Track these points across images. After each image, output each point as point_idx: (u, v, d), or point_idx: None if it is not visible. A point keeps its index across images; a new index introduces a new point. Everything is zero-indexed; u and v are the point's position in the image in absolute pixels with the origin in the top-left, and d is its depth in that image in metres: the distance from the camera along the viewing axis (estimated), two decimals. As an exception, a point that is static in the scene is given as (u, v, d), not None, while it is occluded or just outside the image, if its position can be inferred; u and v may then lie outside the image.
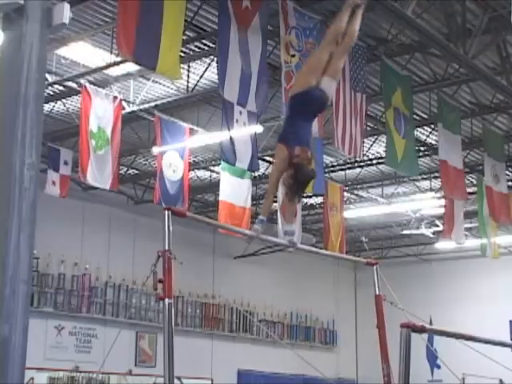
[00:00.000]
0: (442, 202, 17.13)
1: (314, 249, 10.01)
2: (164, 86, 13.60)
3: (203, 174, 18.09)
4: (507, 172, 16.45)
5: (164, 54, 9.01)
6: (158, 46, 8.96)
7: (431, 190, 17.84)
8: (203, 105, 14.16)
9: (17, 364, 4.52)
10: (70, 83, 13.17)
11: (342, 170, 17.69)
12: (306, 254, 18.53)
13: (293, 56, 10.56)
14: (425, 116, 14.65)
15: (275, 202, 13.75)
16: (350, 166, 17.50)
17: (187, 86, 13.06)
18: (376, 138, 15.68)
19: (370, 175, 18.35)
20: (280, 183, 6.44)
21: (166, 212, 5.97)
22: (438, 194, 17.31)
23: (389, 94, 12.25)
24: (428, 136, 15.54)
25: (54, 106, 14.35)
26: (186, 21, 9.81)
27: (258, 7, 10.17)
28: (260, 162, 14.54)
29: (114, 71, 12.75)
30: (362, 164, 17.27)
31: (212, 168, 17.42)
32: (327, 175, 17.08)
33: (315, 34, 10.81)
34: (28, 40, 4.90)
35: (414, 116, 13.65)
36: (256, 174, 16.37)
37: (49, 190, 14.45)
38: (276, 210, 15.02)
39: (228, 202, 14.91)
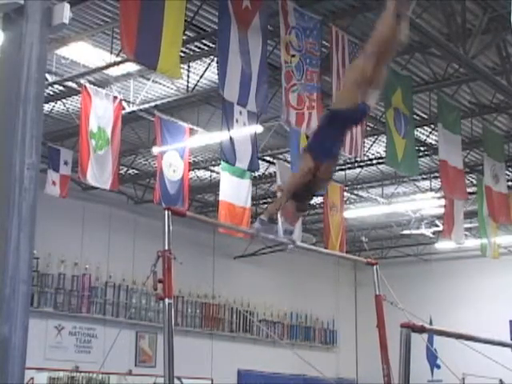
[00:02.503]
0: (442, 202, 17.13)
1: (314, 247, 10.03)
2: (164, 85, 13.60)
3: (203, 173, 18.10)
4: (507, 172, 16.46)
5: (165, 54, 9.03)
6: (158, 45, 8.98)
7: (431, 190, 17.85)
8: (203, 105, 14.17)
9: (17, 364, 4.51)
10: (70, 83, 13.18)
11: (341, 170, 17.68)
12: (307, 254, 18.56)
13: (293, 56, 10.56)
14: (425, 116, 14.65)
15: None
16: (350, 166, 17.50)
17: (187, 86, 13.07)
18: (376, 138, 15.68)
19: (370, 175, 18.35)
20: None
21: (166, 212, 5.96)
22: (438, 194, 17.31)
23: (389, 94, 12.25)
24: (428, 136, 15.54)
25: (53, 106, 14.35)
26: (186, 21, 9.82)
27: (258, 7, 10.17)
28: (260, 162, 14.55)
29: (114, 71, 12.75)
30: (361, 164, 17.28)
31: (212, 168, 17.43)
32: (327, 175, 17.04)
33: (315, 33, 10.81)
34: (28, 40, 4.89)
35: (414, 116, 13.65)
36: (256, 173, 16.38)
37: (49, 190, 14.45)
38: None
39: (228, 202, 14.91)
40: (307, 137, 12.82)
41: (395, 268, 21.97)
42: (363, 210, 19.24)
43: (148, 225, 17.89)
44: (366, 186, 18.78)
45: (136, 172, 17.88)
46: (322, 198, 17.34)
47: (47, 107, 14.04)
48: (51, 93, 13.64)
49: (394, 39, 5.80)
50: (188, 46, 11.89)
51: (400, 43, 5.94)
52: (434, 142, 15.40)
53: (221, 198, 14.97)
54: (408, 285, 21.66)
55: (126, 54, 9.34)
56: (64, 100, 14.11)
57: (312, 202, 20.21)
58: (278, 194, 6.98)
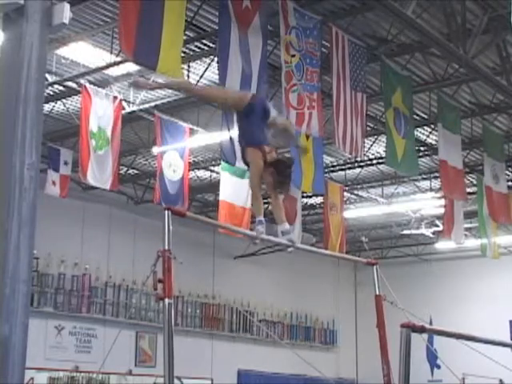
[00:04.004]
0: (442, 202, 17.13)
1: (314, 248, 10.02)
2: (164, 85, 13.58)
3: (203, 173, 18.10)
4: (507, 172, 16.45)
5: (164, 54, 9.01)
6: (158, 45, 8.97)
7: (431, 190, 17.85)
8: (203, 105, 14.15)
9: (17, 364, 4.51)
10: (70, 83, 13.18)
11: (342, 170, 17.70)
12: (306, 254, 18.54)
13: (293, 56, 10.56)
14: (425, 116, 14.65)
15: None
16: (350, 166, 17.50)
17: (187, 86, 13.05)
18: (376, 138, 15.68)
19: (370, 175, 18.35)
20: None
21: (166, 212, 5.97)
22: (438, 194, 17.31)
23: (389, 94, 12.25)
24: (428, 136, 15.54)
25: (53, 106, 14.35)
26: (186, 21, 9.81)
27: (258, 7, 10.17)
28: (260, 162, 14.52)
29: (114, 71, 12.75)
30: (362, 164, 17.28)
31: (212, 168, 17.43)
32: (327, 175, 17.08)
33: (315, 33, 10.81)
34: (28, 40, 4.89)
35: (414, 116, 13.65)
36: (256, 174, 16.34)
37: (49, 190, 14.45)
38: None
39: (228, 202, 14.92)
40: (307, 137, 12.84)
41: (395, 268, 21.95)
42: (363, 210, 19.25)
43: (148, 225, 17.89)
44: (366, 186, 18.78)
45: (136, 172, 17.88)
46: (321, 198, 17.38)
47: (47, 107, 14.04)
48: (51, 93, 13.64)
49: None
50: (188, 45, 11.88)
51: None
52: (433, 142, 15.40)
53: (221, 198, 14.97)
54: (408, 285, 21.65)
55: (125, 55, 9.33)
56: (64, 100, 14.10)
57: (312, 202, 20.00)
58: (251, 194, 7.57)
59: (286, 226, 7.06)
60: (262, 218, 6.54)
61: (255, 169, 6.73)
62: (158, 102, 13.70)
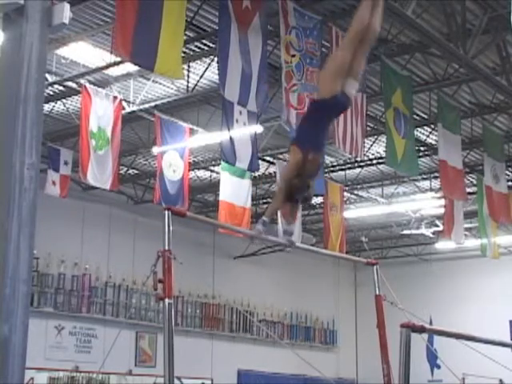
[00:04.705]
0: (442, 202, 17.12)
1: (313, 248, 10.02)
2: (164, 85, 13.60)
3: (203, 174, 18.10)
4: (507, 172, 16.45)
5: (163, 55, 9.00)
6: (156, 46, 8.94)
7: (431, 190, 17.84)
8: (203, 105, 14.17)
9: (17, 364, 4.51)
10: (70, 83, 13.18)
11: (342, 170, 17.70)
12: (307, 254, 18.57)
13: (293, 56, 10.55)
14: (425, 116, 14.65)
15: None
16: (350, 166, 17.51)
17: (187, 86, 13.06)
18: (376, 138, 15.68)
19: (370, 175, 18.35)
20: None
21: (166, 212, 5.96)
22: (438, 194, 17.30)
23: (389, 94, 12.25)
24: (428, 136, 15.54)
25: (53, 106, 14.35)
26: (186, 21, 9.81)
27: (258, 7, 10.17)
28: (260, 162, 14.54)
29: (114, 71, 12.75)
30: (361, 164, 17.28)
31: (212, 168, 17.43)
32: (327, 175, 17.09)
33: (315, 33, 10.81)
34: (28, 40, 4.89)
35: (414, 116, 13.65)
36: (256, 174, 16.37)
37: (49, 190, 14.44)
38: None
39: (228, 202, 14.91)
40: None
41: (395, 268, 21.95)
42: (363, 210, 19.24)
43: (148, 225, 17.90)
44: (366, 186, 18.78)
45: (136, 172, 17.88)
46: (321, 198, 17.37)
47: (47, 107, 14.04)
48: (51, 93, 13.64)
49: (370, 28, 6.09)
50: (188, 45, 11.88)
51: (374, 32, 6.20)
52: (433, 142, 15.40)
53: (221, 198, 14.97)
54: (408, 285, 21.65)
55: (121, 55, 9.29)
56: (64, 100, 14.11)
57: (312, 202, 20.19)
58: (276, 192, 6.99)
59: (292, 226, 7.08)
60: (267, 219, 6.51)
61: (287, 169, 6.48)
62: (158, 102, 13.70)
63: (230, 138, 12.53)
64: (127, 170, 17.63)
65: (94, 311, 17.79)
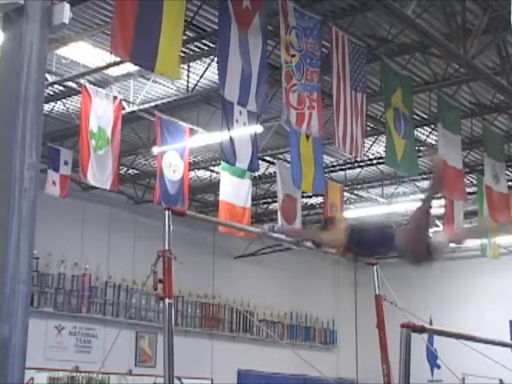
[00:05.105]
0: (442, 202, 17.11)
1: (314, 247, 9.98)
2: (164, 85, 13.60)
3: (203, 174, 18.09)
4: (507, 172, 16.45)
5: (163, 54, 9.00)
6: (156, 46, 8.95)
7: (431, 190, 17.80)
8: (203, 105, 14.16)
9: (17, 364, 4.51)
10: (70, 83, 13.18)
11: (342, 170, 17.69)
12: (307, 254, 18.55)
13: (293, 56, 10.55)
14: (425, 116, 14.64)
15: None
16: (350, 166, 17.50)
17: (187, 86, 13.06)
18: (376, 138, 15.68)
19: (370, 175, 18.35)
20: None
21: (166, 212, 5.98)
22: (438, 194, 17.28)
23: (389, 94, 12.25)
24: (428, 136, 15.54)
25: (53, 106, 14.35)
26: (185, 21, 9.81)
27: (258, 7, 10.17)
28: (260, 162, 14.54)
29: (114, 71, 12.75)
30: (361, 164, 17.27)
31: (212, 168, 17.42)
32: (327, 175, 17.07)
33: (315, 33, 10.81)
34: (28, 40, 4.89)
35: (414, 116, 13.65)
36: (256, 174, 16.37)
37: (49, 190, 14.44)
38: (276, 210, 15.01)
39: (228, 202, 14.91)
40: (307, 137, 12.84)
41: (395, 268, 21.84)
42: (363, 210, 19.23)
43: (148, 225, 17.89)
44: (366, 186, 18.77)
45: (136, 172, 17.88)
46: (321, 198, 17.37)
47: (47, 107, 14.04)
48: (51, 93, 13.64)
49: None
50: (188, 45, 11.88)
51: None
52: (433, 142, 15.39)
53: (221, 198, 14.97)
54: (408, 285, 21.61)
55: (120, 55, 9.28)
56: (64, 100, 14.10)
57: (312, 202, 19.97)
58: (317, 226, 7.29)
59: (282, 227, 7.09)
60: (278, 227, 6.59)
61: (332, 238, 6.63)
62: (158, 102, 13.69)
63: (230, 138, 12.53)
64: (127, 170, 17.63)
65: (93, 311, 17.78)
